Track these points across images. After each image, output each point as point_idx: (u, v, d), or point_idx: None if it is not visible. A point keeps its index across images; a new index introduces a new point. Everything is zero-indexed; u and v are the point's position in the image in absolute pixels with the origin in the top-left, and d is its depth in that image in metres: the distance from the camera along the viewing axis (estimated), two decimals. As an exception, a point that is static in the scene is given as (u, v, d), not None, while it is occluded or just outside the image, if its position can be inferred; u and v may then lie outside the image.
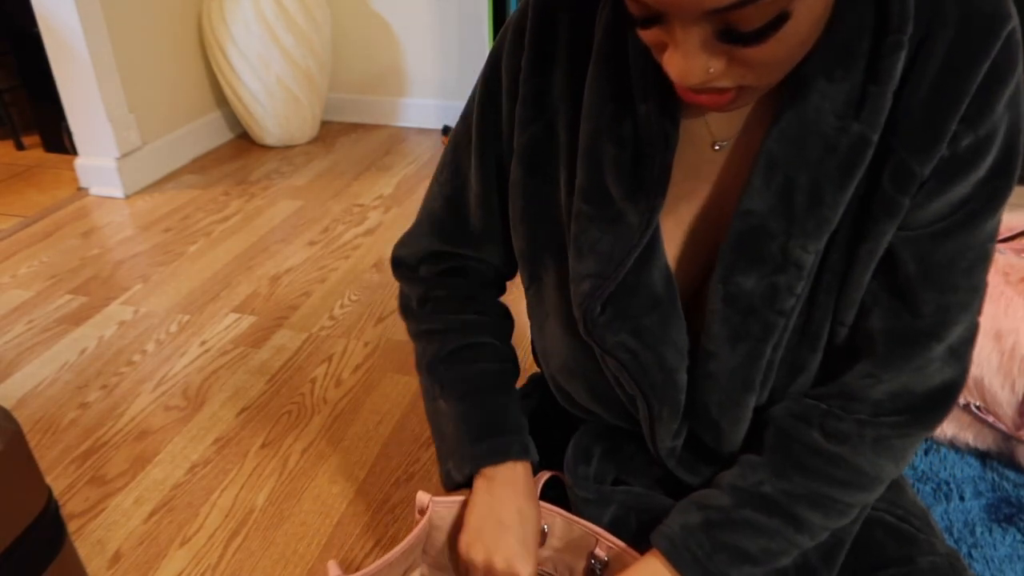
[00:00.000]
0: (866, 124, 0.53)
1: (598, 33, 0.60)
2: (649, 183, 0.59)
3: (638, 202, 0.60)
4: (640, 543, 0.69)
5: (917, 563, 0.66)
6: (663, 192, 0.59)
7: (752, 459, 0.66)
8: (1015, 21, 0.51)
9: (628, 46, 0.59)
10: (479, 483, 0.73)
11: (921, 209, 0.56)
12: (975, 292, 0.59)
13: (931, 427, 0.63)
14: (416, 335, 0.81)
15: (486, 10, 2.48)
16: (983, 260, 0.58)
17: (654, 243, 0.61)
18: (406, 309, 0.83)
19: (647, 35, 0.49)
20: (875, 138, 0.53)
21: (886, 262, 0.58)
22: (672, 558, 0.63)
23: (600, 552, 0.72)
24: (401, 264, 0.81)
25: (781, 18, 0.44)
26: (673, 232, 0.63)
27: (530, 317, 0.77)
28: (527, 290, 0.75)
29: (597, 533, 0.72)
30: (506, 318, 0.83)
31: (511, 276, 0.81)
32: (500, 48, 0.67)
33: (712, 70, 0.47)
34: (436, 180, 0.77)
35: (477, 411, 0.75)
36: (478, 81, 0.71)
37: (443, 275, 0.79)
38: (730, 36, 0.45)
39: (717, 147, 0.60)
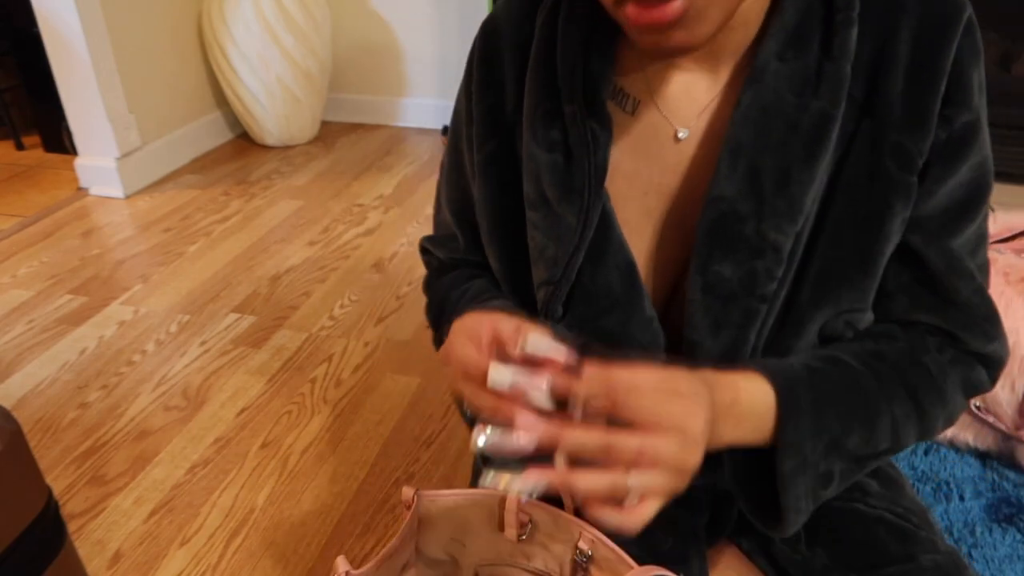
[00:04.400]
0: (825, 100, 0.54)
1: (534, 40, 0.62)
2: (580, 185, 0.59)
3: (572, 203, 0.60)
4: (643, 551, 0.69)
5: (919, 561, 0.66)
6: (597, 192, 0.59)
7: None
8: (971, 9, 0.54)
9: (558, 47, 0.60)
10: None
11: (932, 196, 0.57)
12: (985, 269, 0.62)
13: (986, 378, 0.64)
14: (428, 296, 0.80)
15: (486, 10, 2.48)
16: (984, 237, 0.62)
17: (604, 243, 0.61)
18: (424, 285, 0.82)
19: None
20: (837, 113, 0.55)
21: (911, 261, 0.59)
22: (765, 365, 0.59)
23: (583, 545, 0.72)
24: (424, 251, 0.82)
25: None
26: (642, 225, 0.63)
27: None
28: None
29: (580, 525, 0.72)
30: None
31: None
32: (462, 82, 0.68)
33: None
34: (439, 188, 0.78)
35: (468, 299, 0.72)
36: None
37: (458, 264, 0.79)
38: None
39: (680, 135, 0.60)
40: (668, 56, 0.57)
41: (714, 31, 0.51)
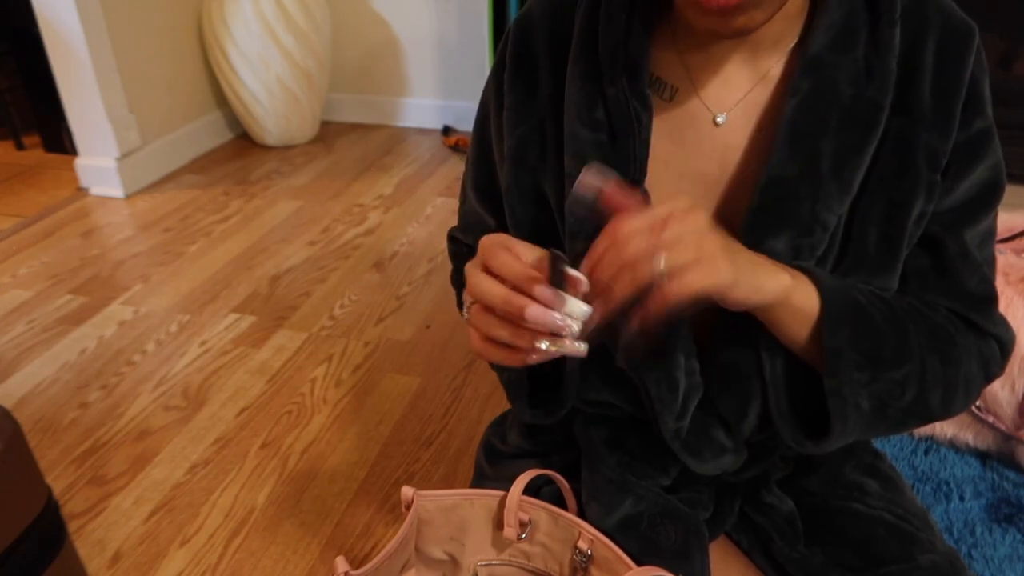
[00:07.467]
0: (876, 91, 0.59)
1: (575, 30, 0.65)
2: (624, 163, 0.62)
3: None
4: (646, 547, 0.69)
5: (917, 561, 0.67)
6: (642, 170, 0.62)
7: None
8: (978, 33, 0.61)
9: (599, 36, 0.62)
10: None
11: (951, 192, 0.62)
12: (991, 263, 0.68)
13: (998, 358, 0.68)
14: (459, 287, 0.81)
15: (486, 10, 2.48)
16: (992, 234, 0.67)
17: None
18: (452, 278, 0.84)
19: None
20: (886, 103, 0.59)
21: (929, 247, 0.64)
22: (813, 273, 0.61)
23: (583, 544, 0.72)
24: (453, 240, 0.84)
25: None
26: None
27: None
28: None
29: (579, 524, 0.72)
30: None
31: None
32: (491, 73, 0.72)
33: None
34: (465, 179, 0.80)
35: None
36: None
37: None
38: None
39: (719, 121, 0.63)
40: (723, 37, 0.60)
41: (768, 18, 0.54)
